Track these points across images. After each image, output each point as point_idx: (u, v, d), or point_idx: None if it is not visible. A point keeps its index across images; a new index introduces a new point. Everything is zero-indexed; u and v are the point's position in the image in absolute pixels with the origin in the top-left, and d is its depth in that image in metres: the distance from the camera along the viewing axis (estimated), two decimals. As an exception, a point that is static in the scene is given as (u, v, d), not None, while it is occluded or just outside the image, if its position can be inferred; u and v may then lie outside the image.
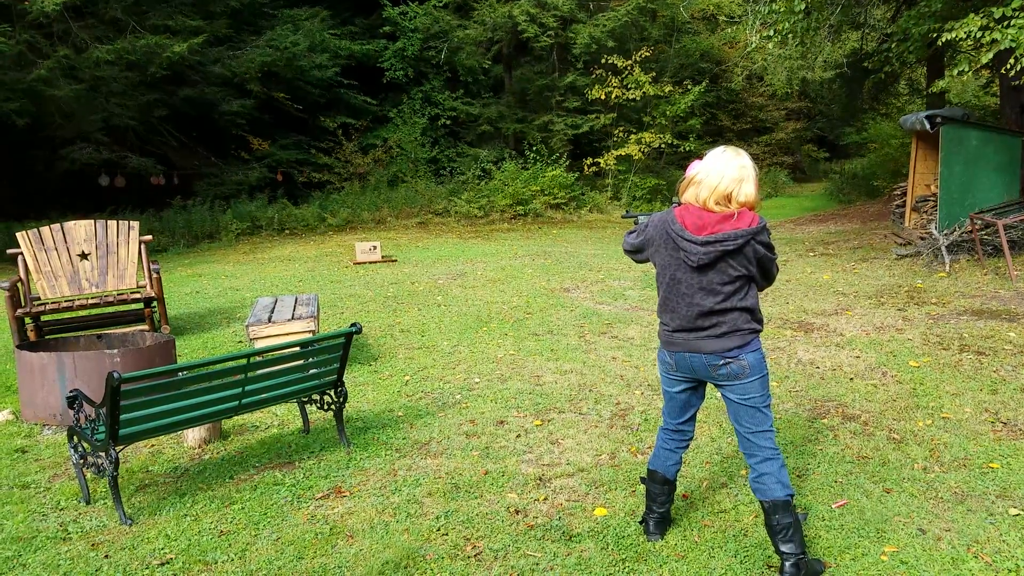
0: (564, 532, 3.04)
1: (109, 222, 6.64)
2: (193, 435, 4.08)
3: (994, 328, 5.87)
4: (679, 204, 2.67)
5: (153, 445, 4.13)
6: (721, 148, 2.63)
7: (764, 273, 2.63)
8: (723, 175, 2.52)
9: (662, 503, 2.94)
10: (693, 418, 2.87)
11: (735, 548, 2.88)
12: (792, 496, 2.61)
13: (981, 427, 4.02)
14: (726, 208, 2.53)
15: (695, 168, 2.63)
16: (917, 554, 2.80)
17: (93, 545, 3.07)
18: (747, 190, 2.54)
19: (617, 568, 2.78)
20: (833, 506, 3.18)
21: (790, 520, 2.58)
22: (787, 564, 2.57)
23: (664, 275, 2.68)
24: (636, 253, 2.83)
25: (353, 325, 3.85)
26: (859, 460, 3.65)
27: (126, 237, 6.64)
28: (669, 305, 2.68)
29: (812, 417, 4.26)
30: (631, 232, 2.86)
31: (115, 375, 3.00)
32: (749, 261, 2.55)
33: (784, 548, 2.58)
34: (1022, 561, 2.73)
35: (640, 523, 3.04)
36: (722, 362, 2.59)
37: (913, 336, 5.80)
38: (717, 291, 2.57)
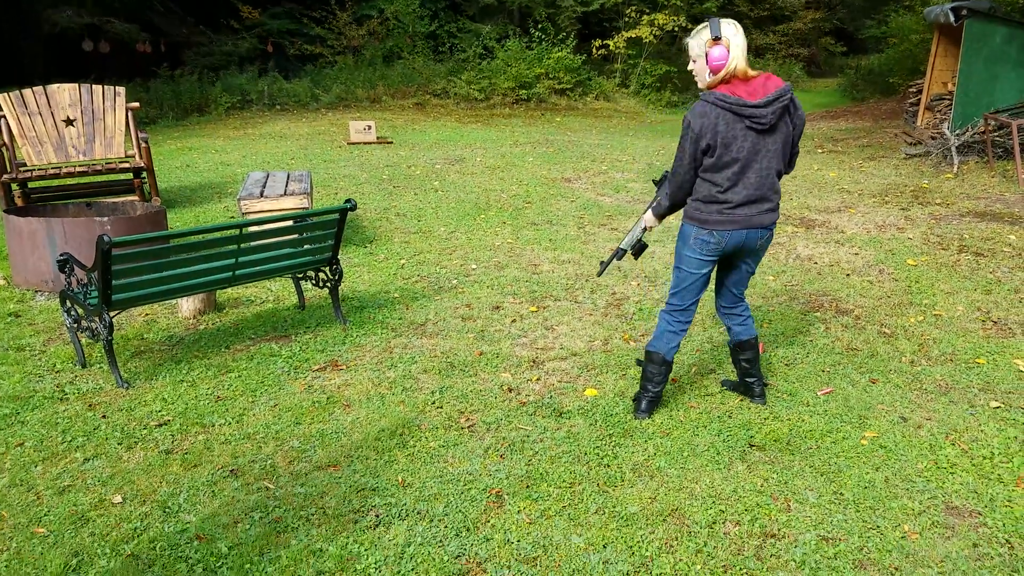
0: (555, 409, 3.11)
1: (94, 87, 6.37)
2: (188, 305, 4.08)
3: (995, 230, 5.82)
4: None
5: (147, 314, 4.15)
6: (705, 27, 2.59)
7: (797, 136, 2.75)
8: (742, 41, 2.59)
9: (658, 383, 3.00)
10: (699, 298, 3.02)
11: (719, 428, 2.95)
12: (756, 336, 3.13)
13: (971, 325, 4.05)
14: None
15: (719, 56, 2.56)
16: (896, 439, 2.88)
17: (90, 406, 3.13)
18: None
19: (604, 442, 2.86)
20: (819, 393, 3.25)
21: (757, 354, 3.13)
22: (756, 387, 3.14)
23: (732, 151, 2.62)
24: (692, 169, 2.75)
25: (347, 201, 3.77)
26: (848, 352, 3.70)
27: (112, 103, 6.38)
28: (739, 180, 2.68)
29: (805, 310, 4.28)
30: (664, 181, 2.96)
31: (105, 238, 2.94)
32: (792, 117, 2.69)
33: (755, 374, 3.13)
34: (997, 449, 2.81)
35: (633, 400, 3.11)
36: (768, 235, 2.85)
37: (914, 235, 5.75)
38: (781, 153, 2.71)
